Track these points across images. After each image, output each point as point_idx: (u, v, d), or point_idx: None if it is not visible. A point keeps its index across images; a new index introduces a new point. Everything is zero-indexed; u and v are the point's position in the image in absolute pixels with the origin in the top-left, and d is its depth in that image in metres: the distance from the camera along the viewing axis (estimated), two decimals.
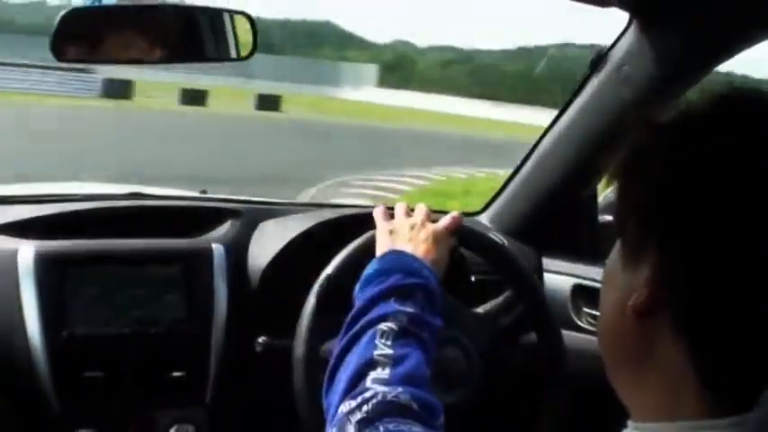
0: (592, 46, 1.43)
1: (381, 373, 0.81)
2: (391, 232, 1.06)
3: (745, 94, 0.59)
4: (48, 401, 1.22)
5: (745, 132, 0.56)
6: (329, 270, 1.15)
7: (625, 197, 0.61)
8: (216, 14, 1.27)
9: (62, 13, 1.19)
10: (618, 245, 0.64)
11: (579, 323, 1.45)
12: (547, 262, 1.54)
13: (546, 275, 1.50)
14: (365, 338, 0.86)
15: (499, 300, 1.24)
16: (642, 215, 0.59)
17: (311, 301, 1.13)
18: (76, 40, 1.22)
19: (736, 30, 1.21)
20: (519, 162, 1.59)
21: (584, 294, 1.46)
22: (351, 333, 0.88)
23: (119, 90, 20.96)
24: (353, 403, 0.77)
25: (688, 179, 0.56)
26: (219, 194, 1.64)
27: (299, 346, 1.11)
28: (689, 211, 0.56)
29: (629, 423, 0.61)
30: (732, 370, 0.55)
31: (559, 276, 1.49)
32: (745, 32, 1.21)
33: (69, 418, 1.23)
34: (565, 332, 1.26)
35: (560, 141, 1.49)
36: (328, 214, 1.42)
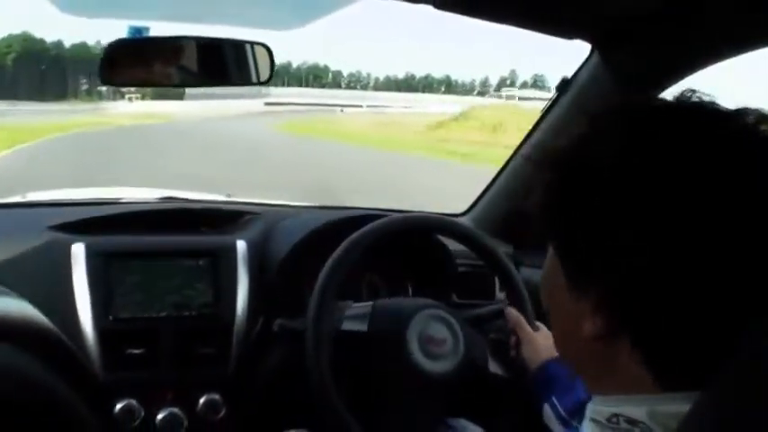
0: None
1: None
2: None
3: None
4: (94, 374, 1.30)
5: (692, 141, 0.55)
6: (331, 261, 1.23)
7: (567, 213, 0.60)
8: (239, 45, 1.34)
9: (108, 42, 1.29)
10: (554, 257, 0.64)
11: None
12: (524, 257, 1.63)
13: (522, 269, 1.56)
14: None
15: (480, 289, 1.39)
16: (587, 241, 0.58)
17: (318, 288, 1.22)
18: (121, 67, 1.28)
19: (686, 56, 1.29)
20: (497, 172, 1.69)
21: None
22: None
23: None
24: None
25: (636, 205, 0.55)
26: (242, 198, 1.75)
27: (310, 327, 1.19)
28: (643, 230, 0.54)
29: (593, 397, 0.63)
30: (686, 369, 0.56)
31: (534, 270, 1.53)
32: (695, 59, 1.29)
33: (113, 388, 1.32)
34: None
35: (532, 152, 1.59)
36: (335, 215, 1.51)
